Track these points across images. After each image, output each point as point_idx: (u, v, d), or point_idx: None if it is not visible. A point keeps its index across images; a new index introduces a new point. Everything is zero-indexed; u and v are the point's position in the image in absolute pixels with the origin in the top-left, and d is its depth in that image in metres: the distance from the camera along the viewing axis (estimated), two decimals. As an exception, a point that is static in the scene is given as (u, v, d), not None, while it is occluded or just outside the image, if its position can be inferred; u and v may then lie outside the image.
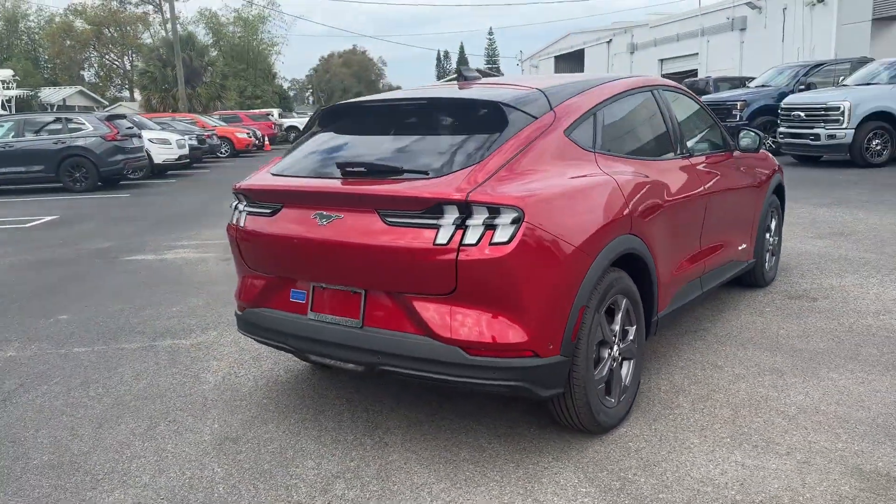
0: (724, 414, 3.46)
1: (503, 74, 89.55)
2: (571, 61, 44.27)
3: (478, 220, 2.74)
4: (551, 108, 3.30)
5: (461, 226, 2.76)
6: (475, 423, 3.46)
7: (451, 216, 2.77)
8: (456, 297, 2.82)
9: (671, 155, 4.08)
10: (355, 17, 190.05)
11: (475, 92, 3.53)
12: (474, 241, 2.74)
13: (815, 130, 13.64)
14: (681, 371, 4.02)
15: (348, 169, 3.15)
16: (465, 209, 2.75)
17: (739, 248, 4.99)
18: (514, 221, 2.74)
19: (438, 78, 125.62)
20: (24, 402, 3.96)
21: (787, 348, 4.31)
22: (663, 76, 34.08)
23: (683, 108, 4.47)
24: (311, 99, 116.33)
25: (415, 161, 3.08)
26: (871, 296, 5.31)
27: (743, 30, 27.77)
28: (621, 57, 37.31)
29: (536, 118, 3.20)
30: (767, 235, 5.58)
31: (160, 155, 18.03)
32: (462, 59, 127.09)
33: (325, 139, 3.60)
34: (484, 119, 3.19)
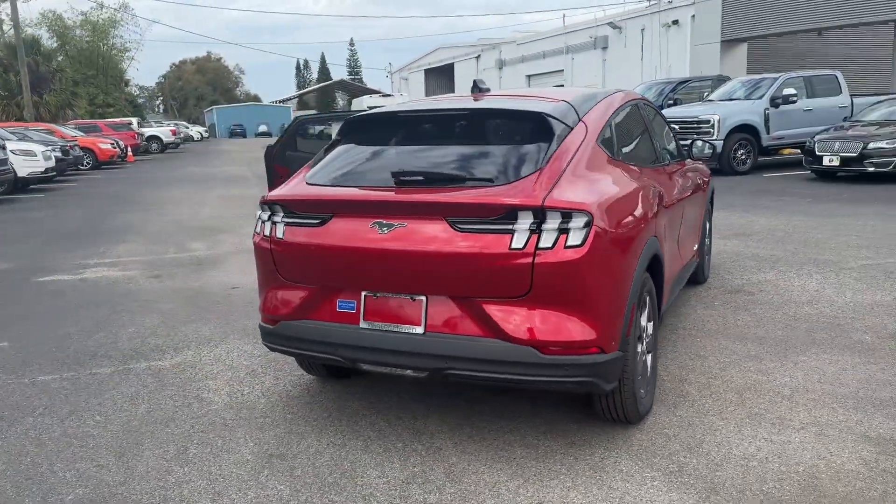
0: (730, 398, 3.81)
1: (366, 85, 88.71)
2: (441, 75, 45.18)
3: (552, 224, 2.89)
4: (580, 119, 3.51)
5: (536, 230, 2.89)
6: (513, 422, 3.58)
7: (525, 221, 2.90)
8: (529, 299, 2.95)
9: (655, 163, 4.42)
10: (208, 23, 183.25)
11: (511, 103, 3.67)
12: (550, 245, 2.89)
13: (689, 141, 14.88)
14: (673, 362, 4.35)
15: (404, 178, 3.19)
16: (540, 214, 2.89)
17: (694, 247, 5.46)
18: (585, 225, 2.91)
19: (299, 87, 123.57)
20: (17, 436, 3.61)
21: (751, 337, 4.78)
22: (532, 90, 35.69)
23: (656, 120, 4.85)
24: (161, 107, 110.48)
25: (473, 169, 3.18)
26: (796, 287, 5.97)
27: (605, 48, 29.72)
28: (490, 72, 38.61)
29: (572, 128, 3.39)
30: (704, 236, 6.12)
31: (25, 168, 16.52)
32: (323, 69, 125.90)
33: (360, 149, 3.61)
34: (528, 129, 3.34)
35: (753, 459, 3.14)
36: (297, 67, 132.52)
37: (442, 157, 3.35)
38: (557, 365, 2.95)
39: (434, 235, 3.02)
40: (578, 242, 2.89)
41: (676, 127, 15.29)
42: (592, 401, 3.42)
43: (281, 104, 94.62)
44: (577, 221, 2.90)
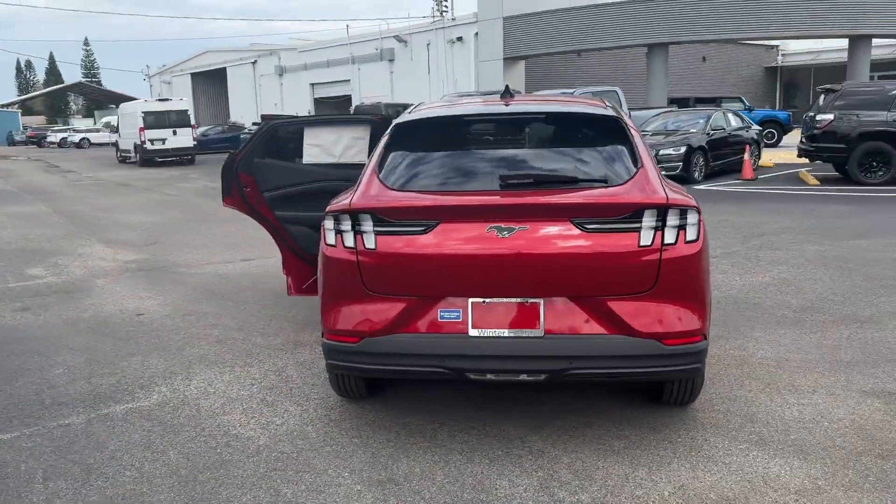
0: (735, 373, 4.28)
1: (105, 88, 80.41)
2: (212, 80, 42.89)
3: (674, 220, 3.08)
4: (627, 124, 3.73)
5: (660, 227, 3.06)
6: (582, 417, 3.68)
7: (651, 219, 3.05)
8: (652, 294, 3.10)
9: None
10: None
11: (576, 107, 3.76)
12: (673, 241, 3.07)
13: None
14: (660, 348, 4.75)
15: (513, 181, 3.16)
16: (664, 212, 3.06)
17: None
18: (697, 221, 3.14)
19: (22, 90, 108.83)
20: (45, 509, 2.92)
21: (700, 321, 5.36)
22: (317, 100, 35.40)
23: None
24: None
25: (578, 170, 3.25)
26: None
27: (392, 60, 30.42)
28: (269, 79, 37.49)
29: (630, 131, 3.61)
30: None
31: None
32: (53, 70, 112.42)
33: (432, 153, 3.47)
34: (604, 131, 3.49)
35: (807, 422, 3.60)
36: (18, 68, 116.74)
37: (535, 158, 3.38)
38: (676, 355, 3.14)
39: (560, 237, 3.05)
40: (695, 237, 3.12)
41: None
42: (664, 387, 3.63)
43: (5, 109, 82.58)
44: (692, 217, 3.12)
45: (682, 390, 3.61)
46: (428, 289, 3.18)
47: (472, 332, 3.14)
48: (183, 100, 27.36)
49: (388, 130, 3.63)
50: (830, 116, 13.32)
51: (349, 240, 3.22)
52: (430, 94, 27.24)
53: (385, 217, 3.17)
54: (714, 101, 25.18)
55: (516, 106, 3.64)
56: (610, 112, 3.58)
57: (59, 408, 3.98)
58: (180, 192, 16.54)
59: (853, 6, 21.69)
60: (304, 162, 4.83)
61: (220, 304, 6.11)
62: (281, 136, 4.89)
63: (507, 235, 3.06)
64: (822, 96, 14.20)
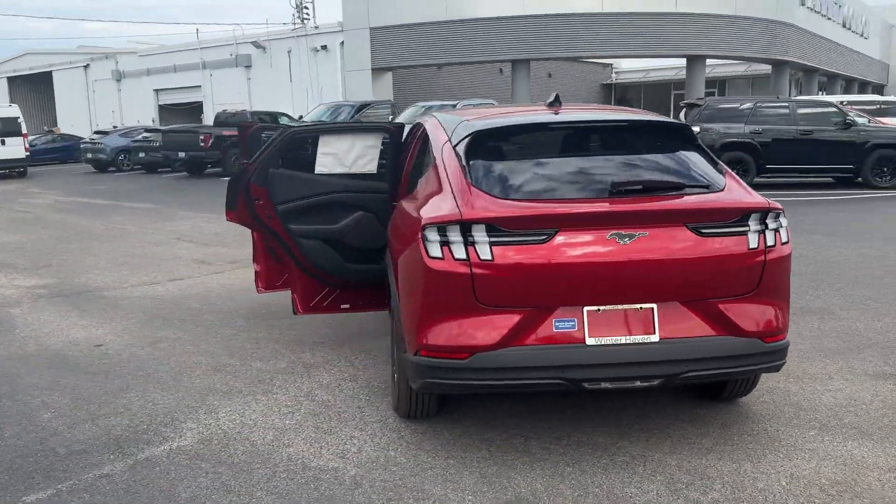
0: (752, 366, 4.56)
1: None
2: (35, 84, 38.83)
3: (773, 224, 3.24)
4: (677, 131, 3.88)
5: (762, 230, 3.21)
6: (647, 421, 3.76)
7: (756, 223, 3.19)
8: (755, 294, 3.24)
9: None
10: None
11: (646, 115, 3.81)
12: (773, 243, 3.23)
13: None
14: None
15: (623, 188, 3.18)
16: (765, 215, 3.21)
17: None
18: (787, 224, 3.32)
19: None
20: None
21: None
22: (162, 107, 33.22)
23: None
24: None
25: (678, 177, 3.32)
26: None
27: (248, 67, 29.14)
28: (105, 84, 34.51)
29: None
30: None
31: None
32: None
33: (522, 161, 3.41)
34: (681, 140, 3.59)
35: (847, 406, 3.91)
36: None
37: (632, 166, 3.40)
38: (772, 351, 3.30)
39: (678, 242, 3.10)
40: (786, 239, 3.30)
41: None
42: (727, 383, 3.78)
43: None
44: (783, 220, 3.30)
45: (743, 385, 3.79)
46: (544, 299, 3.10)
47: (590, 341, 3.11)
48: (13, 105, 24.53)
49: (465, 137, 3.48)
50: (696, 129, 14.64)
51: (459, 251, 3.06)
52: (292, 103, 26.48)
53: (503, 227, 3.05)
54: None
55: (593, 114, 3.67)
56: (678, 121, 3.71)
57: (82, 456, 3.43)
58: (31, 208, 14.84)
59: (688, 29, 23.98)
60: (316, 172, 4.51)
61: (185, 330, 5.55)
62: (297, 145, 4.54)
63: (627, 242, 3.06)
64: (685, 111, 15.58)
